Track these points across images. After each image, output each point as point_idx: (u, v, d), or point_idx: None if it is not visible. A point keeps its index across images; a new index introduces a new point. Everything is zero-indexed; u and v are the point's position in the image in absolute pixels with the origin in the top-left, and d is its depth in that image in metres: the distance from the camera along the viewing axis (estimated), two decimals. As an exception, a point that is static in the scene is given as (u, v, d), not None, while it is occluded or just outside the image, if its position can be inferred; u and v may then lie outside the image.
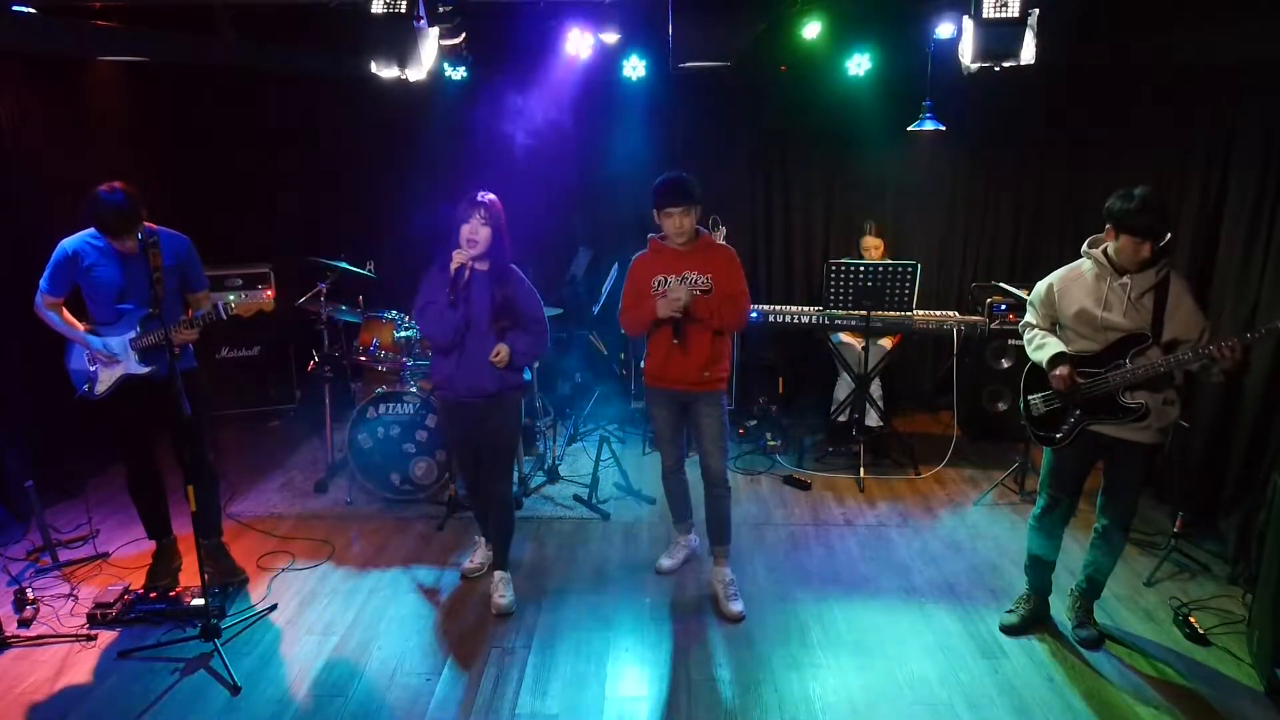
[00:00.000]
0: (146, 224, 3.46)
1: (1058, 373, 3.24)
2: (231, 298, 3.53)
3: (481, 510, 3.94)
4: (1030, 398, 3.46)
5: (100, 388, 3.58)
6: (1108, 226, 3.13)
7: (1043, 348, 3.33)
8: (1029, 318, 3.47)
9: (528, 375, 3.75)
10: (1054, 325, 3.39)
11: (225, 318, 3.49)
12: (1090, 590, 3.54)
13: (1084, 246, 3.27)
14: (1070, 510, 3.47)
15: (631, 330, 3.77)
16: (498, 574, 3.81)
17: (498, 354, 3.49)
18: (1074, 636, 3.52)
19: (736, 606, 3.69)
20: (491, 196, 3.47)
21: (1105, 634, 3.53)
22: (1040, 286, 3.39)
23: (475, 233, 3.44)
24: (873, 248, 5.44)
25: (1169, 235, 3.12)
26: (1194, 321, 3.11)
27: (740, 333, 5.64)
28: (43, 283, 3.53)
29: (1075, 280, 3.27)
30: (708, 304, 3.55)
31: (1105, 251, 3.18)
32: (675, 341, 3.57)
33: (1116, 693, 3.21)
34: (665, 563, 4.05)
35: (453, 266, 3.42)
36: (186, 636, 3.46)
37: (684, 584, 3.96)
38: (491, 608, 3.73)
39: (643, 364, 3.84)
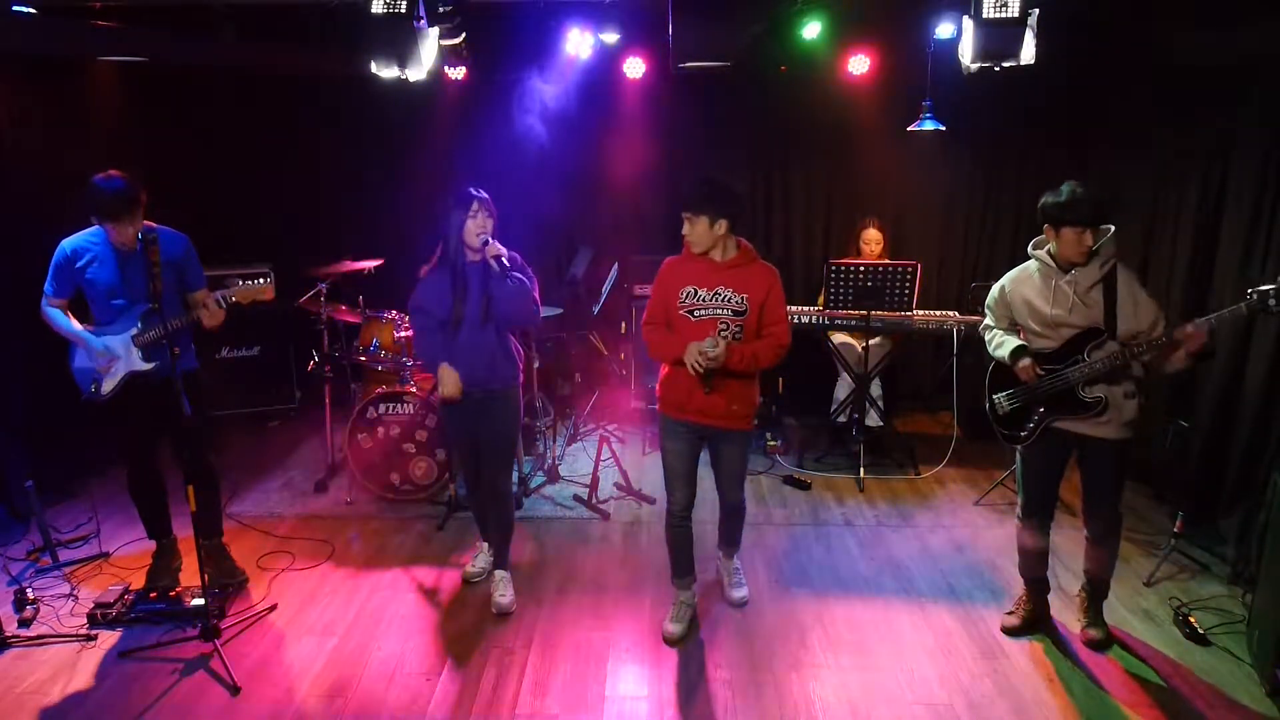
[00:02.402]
0: (146, 222, 3.47)
1: (1023, 364, 3.30)
2: (241, 283, 3.54)
3: (481, 510, 3.95)
4: (995, 397, 3.50)
5: (106, 387, 3.58)
6: (1045, 226, 3.18)
7: (1003, 345, 3.40)
8: (987, 320, 3.53)
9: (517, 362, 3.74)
10: (1012, 326, 3.46)
11: (224, 306, 3.50)
12: (1095, 592, 3.54)
13: (1029, 248, 3.33)
14: (1048, 509, 3.50)
15: (655, 357, 3.43)
16: (498, 573, 3.82)
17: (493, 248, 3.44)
18: (1081, 637, 3.52)
19: (739, 593, 3.77)
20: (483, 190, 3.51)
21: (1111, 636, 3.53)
22: (993, 290, 3.48)
23: (484, 227, 3.48)
24: (873, 241, 5.44)
25: (1111, 227, 3.15)
26: (1146, 311, 3.14)
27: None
28: (46, 285, 3.56)
29: (1024, 281, 3.34)
30: (742, 352, 3.19)
31: (1049, 251, 3.23)
32: (705, 391, 3.26)
33: (1116, 693, 3.21)
34: (673, 628, 3.53)
35: (494, 255, 3.43)
36: (186, 637, 3.46)
37: (684, 584, 3.97)
38: (492, 607, 3.73)
39: (656, 388, 3.51)
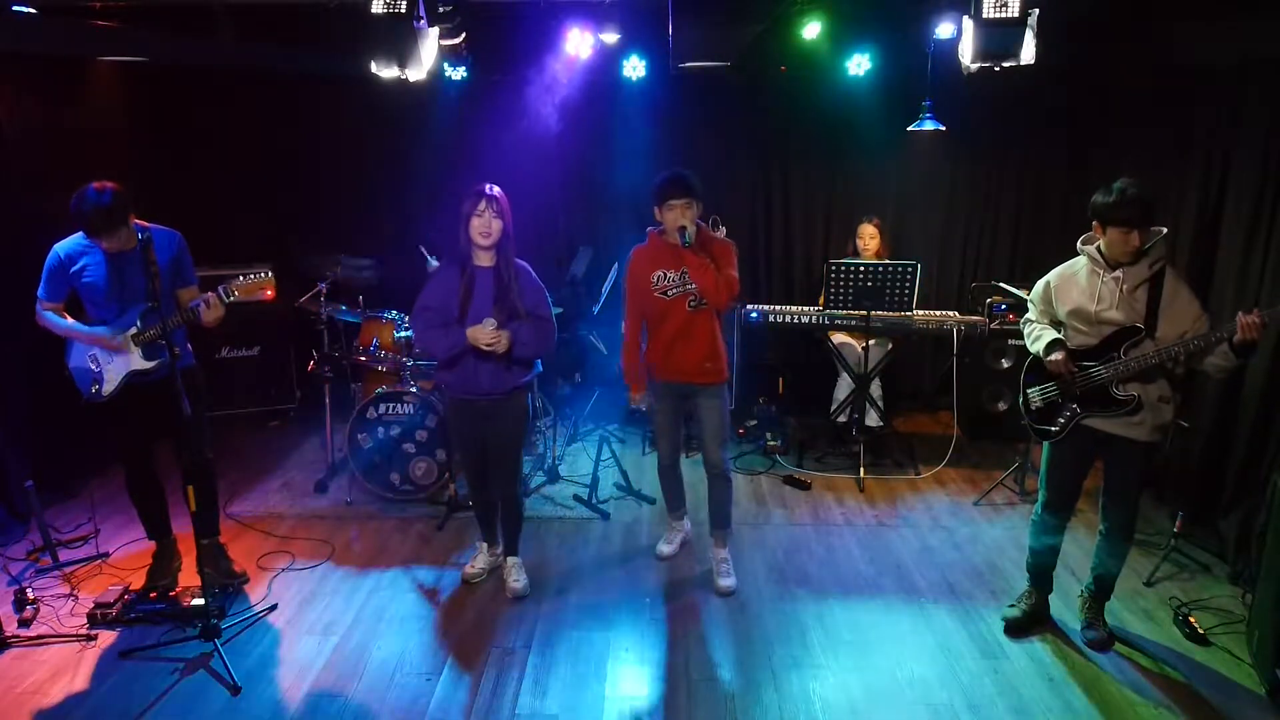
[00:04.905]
0: (138, 222, 3.46)
1: (1053, 358, 3.30)
2: (242, 278, 3.52)
3: (483, 510, 3.95)
4: (1028, 392, 3.50)
5: (108, 388, 3.58)
6: (1095, 223, 3.18)
7: (1039, 338, 3.39)
8: (1029, 314, 3.53)
9: (539, 367, 3.74)
10: (1054, 323, 3.44)
11: (225, 301, 3.49)
12: (1099, 592, 3.55)
13: (1079, 243, 3.31)
14: (1069, 507, 3.49)
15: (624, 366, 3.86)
16: (510, 560, 3.87)
17: (495, 339, 3.39)
18: (1083, 637, 3.52)
19: (726, 582, 3.87)
20: (498, 189, 3.46)
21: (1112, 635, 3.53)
22: (1039, 285, 3.46)
23: (489, 226, 3.41)
24: (869, 236, 5.45)
25: (1163, 229, 3.15)
26: (1190, 313, 3.12)
27: (740, 332, 5.65)
28: (40, 290, 3.55)
29: (1071, 277, 3.33)
30: (703, 261, 3.53)
31: (1098, 248, 3.22)
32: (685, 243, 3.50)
33: (1116, 693, 3.21)
34: (664, 549, 4.17)
35: (476, 342, 3.39)
36: (186, 637, 3.46)
37: (684, 584, 3.96)
38: (507, 591, 3.79)
39: (643, 358, 3.86)
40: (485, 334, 3.40)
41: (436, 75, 4.21)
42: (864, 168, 6.06)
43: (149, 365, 3.57)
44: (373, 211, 6.25)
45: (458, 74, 5.22)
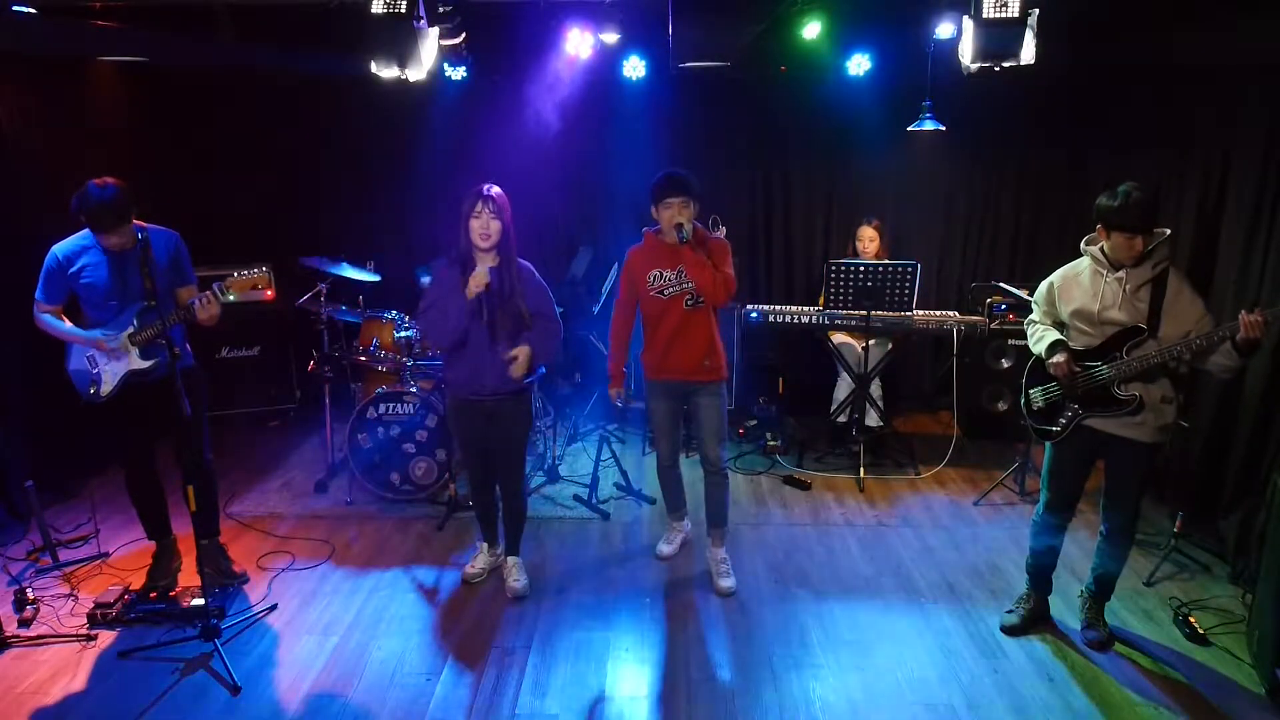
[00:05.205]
0: (136, 223, 3.46)
1: (1055, 360, 3.29)
2: (237, 274, 3.50)
3: (484, 510, 3.95)
4: (1030, 391, 3.50)
5: (105, 389, 3.57)
6: (1098, 225, 3.18)
7: (1042, 339, 3.39)
8: (1033, 315, 3.53)
9: (542, 368, 3.76)
10: (1057, 323, 3.44)
11: (219, 298, 3.48)
12: (1099, 592, 3.55)
13: (1082, 244, 3.31)
14: (1071, 508, 3.48)
15: (612, 347, 3.94)
16: (511, 559, 3.87)
17: (514, 358, 3.45)
18: (1083, 637, 3.52)
19: (726, 583, 3.87)
20: (498, 189, 3.46)
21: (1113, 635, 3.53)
22: (1042, 285, 3.47)
23: (487, 227, 3.41)
24: (868, 239, 5.45)
25: (1167, 231, 3.15)
26: (1192, 313, 3.12)
27: (740, 332, 5.65)
28: (38, 292, 3.54)
29: (1074, 278, 3.33)
30: (700, 259, 3.55)
31: (1101, 249, 3.22)
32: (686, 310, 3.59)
33: (1116, 692, 3.21)
34: (664, 549, 4.18)
35: (471, 293, 3.39)
36: (186, 637, 3.46)
37: (684, 584, 3.96)
38: (507, 591, 3.80)
39: (641, 357, 3.89)
40: (479, 276, 3.39)
41: (436, 75, 4.21)
42: (864, 168, 6.05)
43: (146, 365, 3.57)
44: (373, 211, 6.25)
45: (458, 74, 5.23)
